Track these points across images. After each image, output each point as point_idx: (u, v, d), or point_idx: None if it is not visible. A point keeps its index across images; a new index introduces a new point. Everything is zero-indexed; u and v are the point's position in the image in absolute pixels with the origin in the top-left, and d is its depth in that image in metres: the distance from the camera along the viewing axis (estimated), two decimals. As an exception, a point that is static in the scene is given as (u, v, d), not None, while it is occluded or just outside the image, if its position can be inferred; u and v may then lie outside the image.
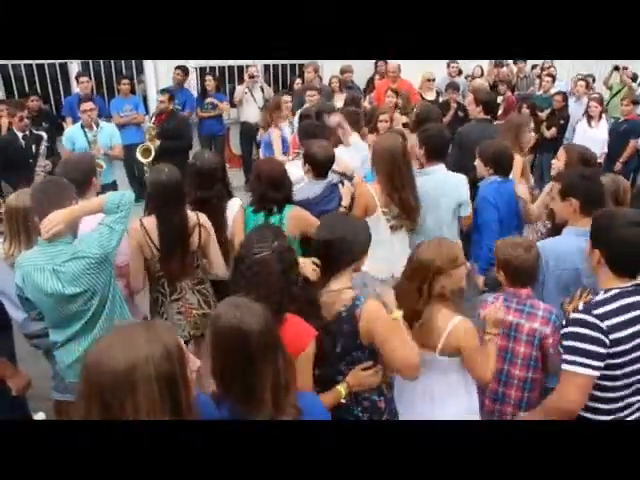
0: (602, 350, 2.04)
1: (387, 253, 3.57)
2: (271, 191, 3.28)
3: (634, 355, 2.09)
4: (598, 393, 2.14)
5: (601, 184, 2.87)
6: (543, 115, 7.83)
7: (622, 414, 2.18)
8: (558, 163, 3.54)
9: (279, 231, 2.39)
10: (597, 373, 2.05)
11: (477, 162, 3.88)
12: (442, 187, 3.73)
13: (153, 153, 6.05)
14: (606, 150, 7.16)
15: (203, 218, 3.21)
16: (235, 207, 3.55)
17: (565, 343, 2.13)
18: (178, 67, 7.83)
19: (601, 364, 2.05)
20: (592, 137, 7.10)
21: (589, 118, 7.34)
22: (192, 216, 3.19)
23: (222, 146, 8.47)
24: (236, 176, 8.18)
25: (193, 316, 3.29)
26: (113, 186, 5.76)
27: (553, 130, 7.64)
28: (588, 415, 2.18)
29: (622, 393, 2.15)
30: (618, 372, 2.09)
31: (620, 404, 2.17)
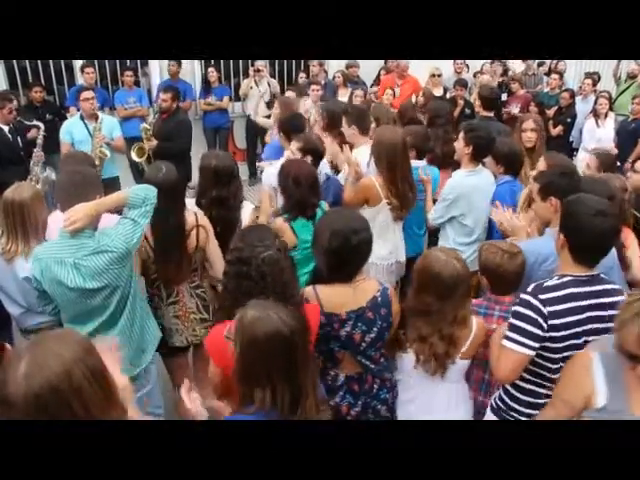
0: (539, 332, 2.14)
1: (391, 241, 3.78)
2: (312, 195, 3.23)
3: (570, 342, 2.17)
4: (542, 372, 2.26)
5: (579, 181, 2.82)
6: (550, 113, 7.75)
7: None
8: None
9: (272, 230, 2.40)
10: (532, 352, 2.17)
11: (489, 159, 3.88)
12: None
13: (147, 153, 5.94)
14: (613, 145, 7.02)
15: (202, 219, 3.13)
16: (248, 210, 3.51)
17: (510, 320, 2.23)
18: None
19: (536, 345, 2.16)
20: (600, 136, 7.02)
21: (596, 116, 7.24)
22: (190, 216, 3.09)
23: (226, 139, 8.45)
24: (240, 170, 8.16)
25: (191, 321, 3.20)
26: (115, 181, 5.70)
27: (559, 128, 7.55)
28: (539, 390, 2.30)
29: (558, 366, 2.23)
30: (556, 355, 2.19)
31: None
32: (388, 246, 3.78)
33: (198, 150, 7.96)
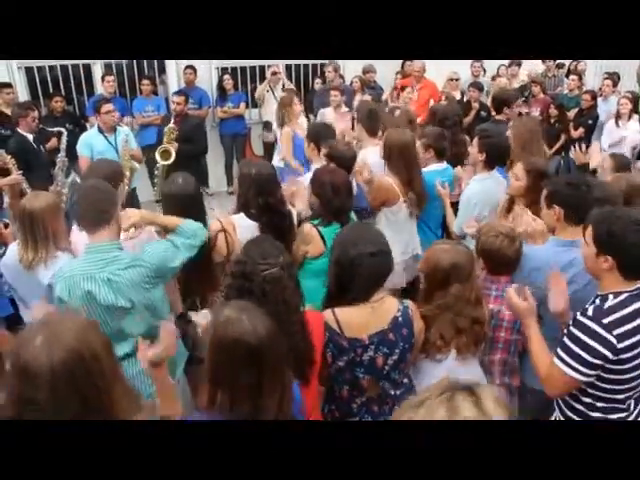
0: (598, 362, 2.06)
1: (409, 237, 3.96)
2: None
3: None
4: (605, 388, 2.15)
5: (587, 192, 2.72)
6: (570, 115, 7.62)
7: (624, 405, 2.21)
8: (517, 183, 3.40)
9: (279, 244, 2.35)
10: (585, 379, 2.10)
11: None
12: (499, 188, 3.80)
13: (173, 155, 5.88)
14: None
15: (227, 225, 3.11)
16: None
17: (565, 341, 2.13)
18: (188, 67, 7.84)
19: (593, 372, 2.08)
20: (621, 137, 6.89)
21: (617, 117, 7.10)
22: (214, 224, 3.07)
23: (243, 146, 8.47)
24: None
25: None
26: (132, 192, 5.76)
27: (580, 130, 7.41)
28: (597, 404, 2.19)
29: (628, 386, 2.17)
30: (625, 376, 2.12)
31: (626, 394, 2.19)
32: (401, 246, 3.84)
33: (215, 157, 8.07)
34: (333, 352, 2.30)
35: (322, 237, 3.13)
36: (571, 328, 2.14)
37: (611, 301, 2.11)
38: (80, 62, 7.69)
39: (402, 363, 2.36)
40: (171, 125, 6.01)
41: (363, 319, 2.28)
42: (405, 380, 2.42)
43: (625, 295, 2.11)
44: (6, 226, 3.70)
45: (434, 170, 4.11)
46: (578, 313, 2.16)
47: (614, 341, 2.03)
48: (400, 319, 2.33)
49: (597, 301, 2.15)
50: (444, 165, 4.21)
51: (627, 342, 2.04)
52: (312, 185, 3.22)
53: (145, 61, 8.11)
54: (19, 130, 5.50)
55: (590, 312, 2.11)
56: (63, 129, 5.78)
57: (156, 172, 5.99)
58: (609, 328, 2.04)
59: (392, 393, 2.38)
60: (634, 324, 2.07)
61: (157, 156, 5.92)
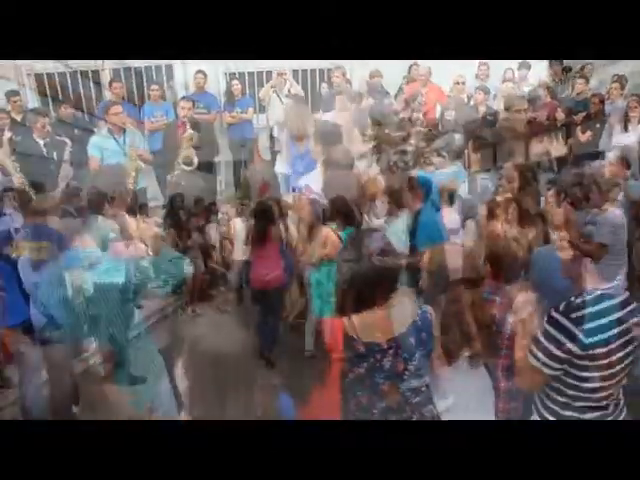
0: (565, 356, 2.07)
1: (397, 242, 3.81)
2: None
3: (616, 356, 2.11)
4: (580, 387, 2.15)
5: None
6: (577, 119, 7.57)
7: (606, 402, 2.21)
8: (510, 185, 3.42)
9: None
10: (550, 372, 2.12)
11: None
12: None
13: (196, 161, 5.74)
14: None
15: (230, 234, 3.17)
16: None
17: (538, 335, 2.18)
18: (199, 71, 7.87)
19: (558, 366, 2.10)
20: (627, 141, 6.84)
21: (626, 120, 7.05)
22: (213, 231, 3.13)
23: (250, 151, 8.48)
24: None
25: None
26: (142, 192, 5.82)
27: (588, 134, 7.36)
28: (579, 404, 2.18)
29: (602, 384, 2.16)
30: (597, 374, 2.11)
31: (604, 393, 2.18)
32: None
33: (222, 162, 8.08)
34: (352, 358, 2.29)
35: (340, 239, 3.17)
36: (544, 323, 2.18)
37: (584, 297, 2.15)
38: (89, 69, 7.76)
39: (422, 369, 2.34)
40: (191, 131, 6.00)
41: (379, 323, 2.27)
42: (424, 388, 2.39)
43: (599, 292, 2.14)
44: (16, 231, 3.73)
45: (449, 171, 4.13)
46: (552, 309, 2.19)
47: (580, 335, 2.05)
48: (419, 323, 2.31)
49: (571, 298, 2.19)
50: (458, 166, 4.21)
51: (596, 338, 2.06)
52: (325, 191, 3.30)
53: (153, 67, 8.15)
54: (34, 136, 5.62)
55: (561, 307, 2.14)
56: (67, 139, 5.85)
57: (171, 178, 5.95)
58: (577, 322, 2.07)
59: (411, 401, 2.35)
60: (605, 320, 2.09)
61: (180, 162, 5.77)
